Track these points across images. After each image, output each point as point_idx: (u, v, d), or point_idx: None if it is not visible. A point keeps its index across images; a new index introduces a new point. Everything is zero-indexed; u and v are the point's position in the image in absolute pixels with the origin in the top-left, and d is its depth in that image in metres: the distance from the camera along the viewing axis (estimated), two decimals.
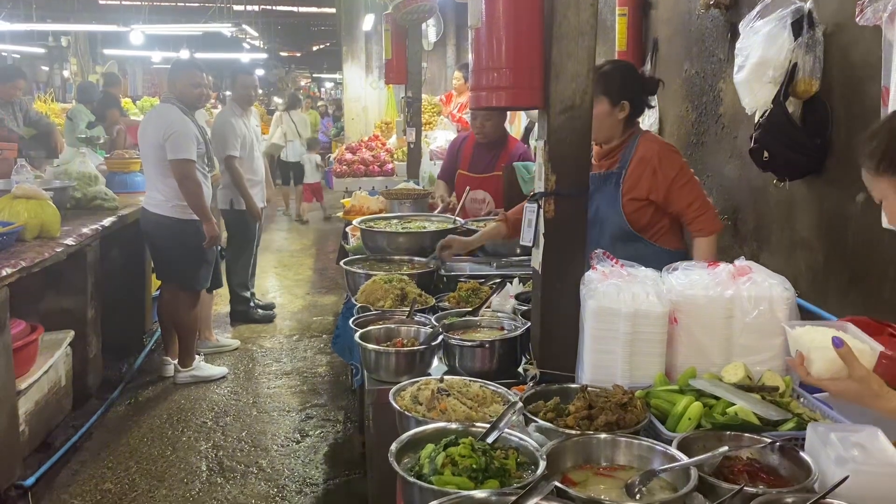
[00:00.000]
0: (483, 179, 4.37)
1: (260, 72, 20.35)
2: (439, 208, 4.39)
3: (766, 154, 2.94)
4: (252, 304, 6.71)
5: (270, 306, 7.00)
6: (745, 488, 1.43)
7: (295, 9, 16.58)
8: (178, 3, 15.40)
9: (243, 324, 6.58)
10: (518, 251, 3.56)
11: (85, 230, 4.68)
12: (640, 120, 3.13)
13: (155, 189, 5.03)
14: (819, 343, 1.60)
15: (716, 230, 2.97)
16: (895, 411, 1.50)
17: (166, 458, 4.17)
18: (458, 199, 4.33)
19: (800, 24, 2.81)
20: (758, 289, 1.97)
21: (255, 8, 15.79)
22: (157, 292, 5.96)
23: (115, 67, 14.50)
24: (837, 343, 1.55)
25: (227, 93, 14.57)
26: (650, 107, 3.19)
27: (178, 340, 5.25)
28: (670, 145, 3.09)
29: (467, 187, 4.29)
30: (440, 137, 7.69)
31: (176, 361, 5.27)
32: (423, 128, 7.01)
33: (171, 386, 5.19)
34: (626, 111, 2.95)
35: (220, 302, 6.86)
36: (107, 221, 5.04)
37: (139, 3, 14.12)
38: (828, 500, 1.37)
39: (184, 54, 14.24)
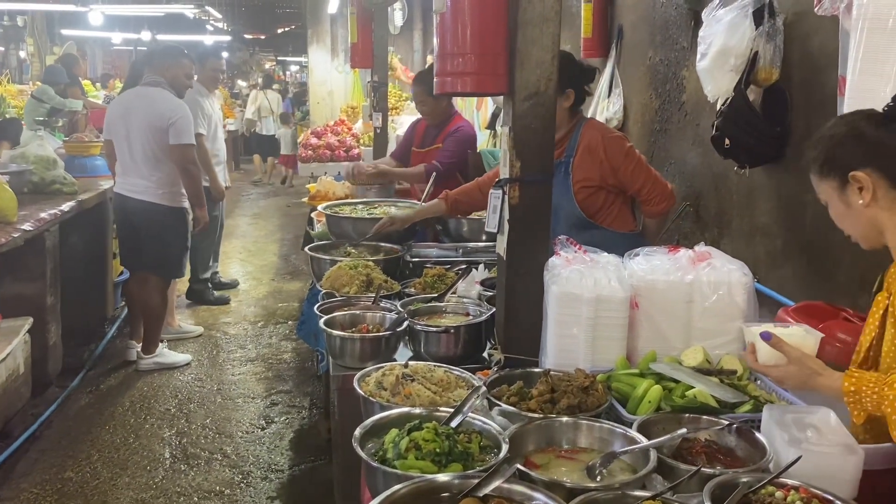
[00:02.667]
0: (426, 153, 4.55)
1: (224, 54, 20.04)
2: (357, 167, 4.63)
3: (727, 141, 2.98)
4: (209, 284, 6.70)
5: (234, 284, 7.07)
6: (703, 469, 1.46)
7: None
8: None
9: (199, 305, 6.56)
10: (484, 237, 3.57)
11: (43, 215, 4.58)
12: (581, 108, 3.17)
13: (139, 175, 4.82)
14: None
15: (671, 205, 3.09)
16: (834, 388, 1.56)
17: (129, 446, 4.12)
18: None
19: (761, 14, 2.85)
20: (717, 274, 2.01)
21: None
22: (120, 277, 5.88)
23: (74, 48, 14.15)
24: (766, 337, 1.67)
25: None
26: (590, 94, 3.23)
27: (145, 327, 5.17)
28: (612, 130, 3.16)
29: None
30: (406, 123, 7.65)
31: (139, 347, 5.20)
32: (389, 112, 6.97)
33: (133, 373, 5.12)
34: (571, 99, 2.99)
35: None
36: (66, 206, 4.93)
37: None
38: (781, 479, 1.41)
39: (145, 35, 13.96)
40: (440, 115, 4.52)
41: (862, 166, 1.62)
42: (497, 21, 2.09)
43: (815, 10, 2.27)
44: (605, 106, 4.61)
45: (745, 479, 1.42)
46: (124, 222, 5.03)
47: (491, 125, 6.37)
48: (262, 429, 4.38)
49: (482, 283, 2.79)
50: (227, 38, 18.99)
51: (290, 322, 6.22)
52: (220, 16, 16.96)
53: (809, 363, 1.62)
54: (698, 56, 3.03)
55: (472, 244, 3.55)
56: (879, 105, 2.02)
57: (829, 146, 1.68)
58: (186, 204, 4.97)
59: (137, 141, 4.79)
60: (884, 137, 1.62)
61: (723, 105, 2.97)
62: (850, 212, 1.67)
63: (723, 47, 2.89)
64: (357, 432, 1.58)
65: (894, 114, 1.63)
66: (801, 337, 1.70)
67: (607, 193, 3.01)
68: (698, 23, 3.19)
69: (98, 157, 6.15)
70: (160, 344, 5.26)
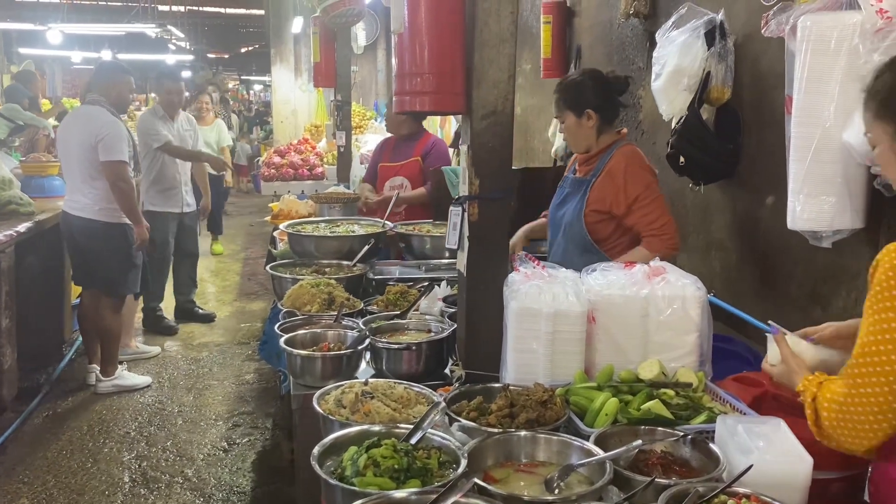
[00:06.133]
0: (401, 166, 4.63)
1: (187, 73, 19.93)
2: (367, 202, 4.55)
3: (682, 159, 3.04)
4: (160, 312, 6.48)
5: (211, 317, 6.82)
6: (657, 480, 1.49)
7: (222, 10, 16.26)
8: (100, 2, 14.89)
9: (150, 333, 6.39)
10: (447, 254, 3.59)
11: None
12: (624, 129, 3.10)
13: (79, 192, 4.86)
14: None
15: (668, 252, 2.79)
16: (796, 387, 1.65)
17: (87, 471, 4.04)
18: (380, 192, 4.62)
19: (712, 35, 2.93)
20: (671, 288, 2.05)
21: (181, 9, 15.41)
22: (78, 300, 5.77)
23: (32, 67, 13.95)
24: (774, 330, 1.79)
25: (153, 95, 14.62)
26: (624, 106, 3.11)
27: (101, 347, 5.08)
28: (641, 160, 2.96)
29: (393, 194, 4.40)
30: (371, 141, 7.67)
31: (98, 370, 5.10)
32: (353, 131, 6.98)
33: (92, 396, 5.02)
34: (594, 120, 2.93)
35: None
36: (22, 227, 4.86)
37: (57, 0, 13.59)
38: (733, 488, 1.44)
39: (105, 55, 13.80)
40: (410, 128, 4.61)
41: None
42: (454, 41, 2.12)
43: (763, 31, 2.34)
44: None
45: (699, 489, 1.45)
46: (70, 240, 5.01)
47: (454, 143, 6.41)
48: (225, 451, 4.32)
49: (444, 299, 2.80)
50: (190, 57, 18.87)
51: (252, 343, 6.16)
52: (182, 35, 16.83)
53: (792, 363, 1.70)
54: (653, 76, 3.09)
55: (434, 261, 3.57)
56: (823, 125, 2.10)
57: (891, 84, 1.47)
58: (126, 220, 4.92)
59: (74, 159, 4.86)
60: None
61: (677, 124, 3.03)
62: None
63: (676, 67, 2.96)
64: (315, 450, 1.58)
65: None
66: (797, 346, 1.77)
67: (616, 226, 2.91)
68: (653, 43, 3.26)
69: (56, 177, 6.06)
70: (119, 366, 5.17)
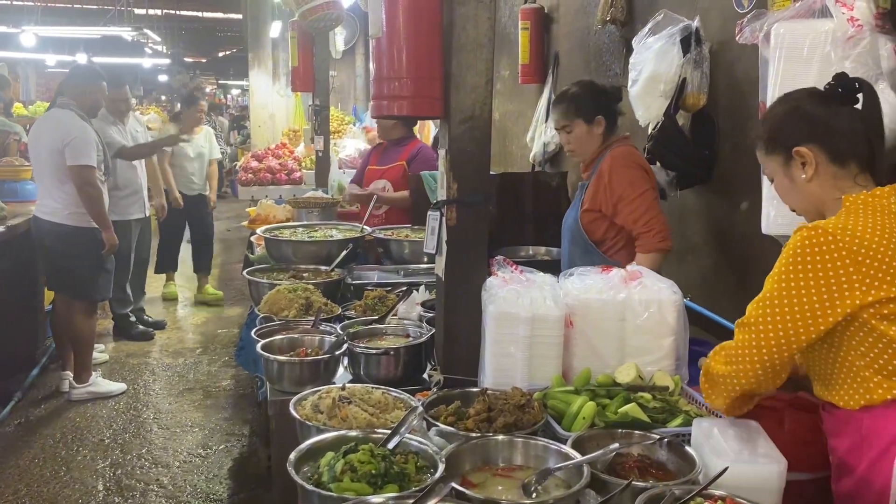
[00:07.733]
0: (386, 170, 4.63)
1: (163, 77, 19.76)
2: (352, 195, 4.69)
3: (658, 164, 3.07)
4: (133, 318, 6.42)
5: (161, 324, 6.71)
6: (634, 483, 1.49)
7: (199, 14, 16.18)
8: (75, 5, 14.74)
9: (123, 340, 6.29)
10: (425, 259, 3.59)
11: None
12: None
13: (49, 196, 4.82)
14: None
15: (657, 249, 2.82)
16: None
17: (59, 479, 3.98)
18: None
19: (688, 42, 2.97)
20: (648, 292, 2.06)
21: (158, 12, 15.30)
22: (51, 305, 5.69)
23: (6, 70, 13.76)
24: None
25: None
26: (621, 114, 3.09)
27: (74, 354, 5.01)
28: (630, 159, 2.91)
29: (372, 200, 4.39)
30: (349, 146, 7.67)
31: (72, 377, 5.03)
32: (331, 136, 6.96)
33: (65, 403, 4.95)
34: (602, 125, 2.94)
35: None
36: None
37: (31, 3, 13.43)
38: (709, 490, 1.45)
39: (81, 58, 13.64)
40: (400, 132, 4.61)
41: (804, 142, 1.69)
42: (432, 46, 2.13)
43: (737, 38, 2.37)
44: (542, 130, 4.71)
45: (675, 492, 1.45)
46: (41, 244, 4.95)
47: (433, 147, 6.42)
48: (201, 458, 4.28)
49: (423, 304, 2.79)
50: (167, 61, 18.73)
51: (229, 348, 6.10)
52: (158, 39, 16.71)
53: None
54: (630, 82, 3.12)
55: (413, 266, 3.56)
56: None
57: (773, 123, 1.76)
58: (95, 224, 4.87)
59: (44, 163, 4.81)
60: (824, 114, 1.69)
61: (653, 129, 3.06)
62: (794, 186, 1.74)
63: (653, 74, 3.00)
64: (292, 456, 1.57)
65: (834, 93, 1.71)
66: None
67: (609, 225, 2.93)
68: (630, 50, 3.29)
69: (29, 181, 5.98)
70: (93, 373, 5.10)
